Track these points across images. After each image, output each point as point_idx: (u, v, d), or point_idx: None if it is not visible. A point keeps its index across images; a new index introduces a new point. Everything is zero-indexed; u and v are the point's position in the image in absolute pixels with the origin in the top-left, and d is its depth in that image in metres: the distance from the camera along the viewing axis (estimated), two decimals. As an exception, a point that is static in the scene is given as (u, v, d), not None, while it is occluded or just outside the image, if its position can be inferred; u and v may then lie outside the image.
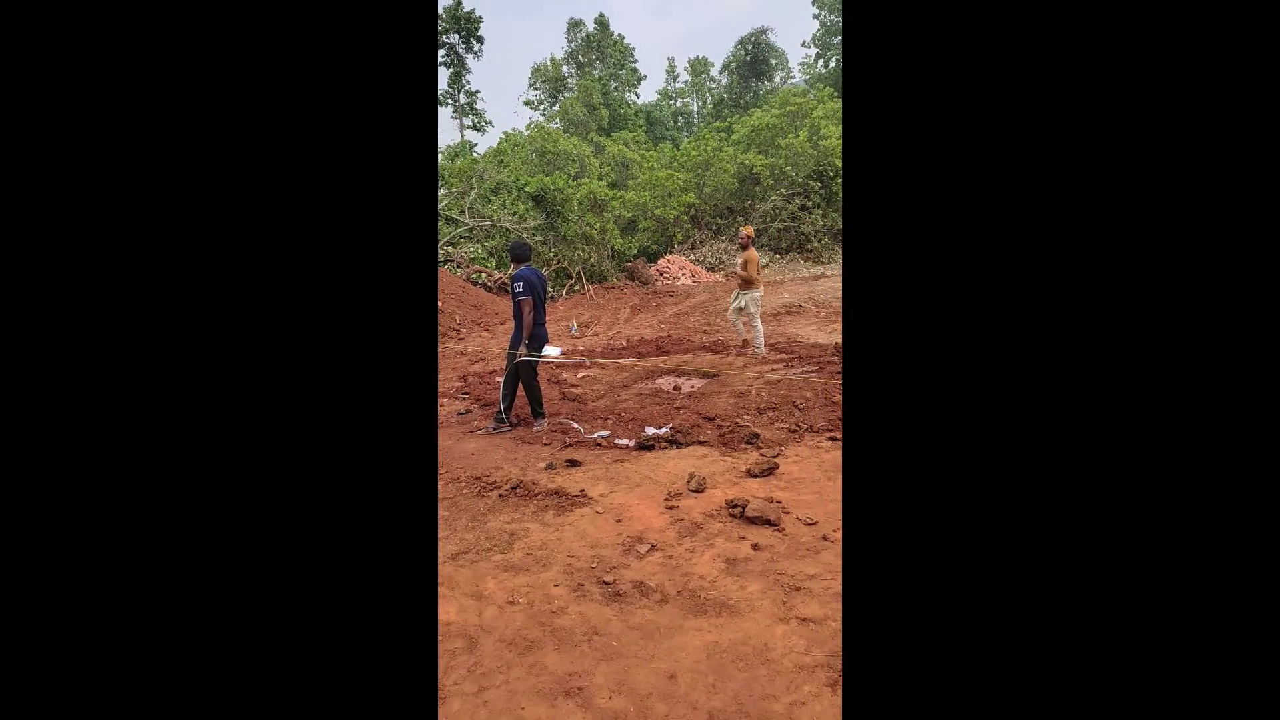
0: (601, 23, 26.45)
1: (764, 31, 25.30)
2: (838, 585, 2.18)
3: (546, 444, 3.95)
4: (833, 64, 25.17)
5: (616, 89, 25.89)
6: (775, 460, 3.32)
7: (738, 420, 4.10)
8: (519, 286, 4.16)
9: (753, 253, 6.31)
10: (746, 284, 6.25)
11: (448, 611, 2.17)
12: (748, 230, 6.49)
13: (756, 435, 3.76)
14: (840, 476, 3.12)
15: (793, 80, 26.64)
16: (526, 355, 4.19)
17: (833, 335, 5.45)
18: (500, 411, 4.26)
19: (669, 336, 7.79)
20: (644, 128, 24.04)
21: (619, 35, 26.95)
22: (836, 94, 18.00)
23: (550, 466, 3.52)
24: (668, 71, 29.47)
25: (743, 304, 6.28)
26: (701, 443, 3.77)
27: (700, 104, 29.13)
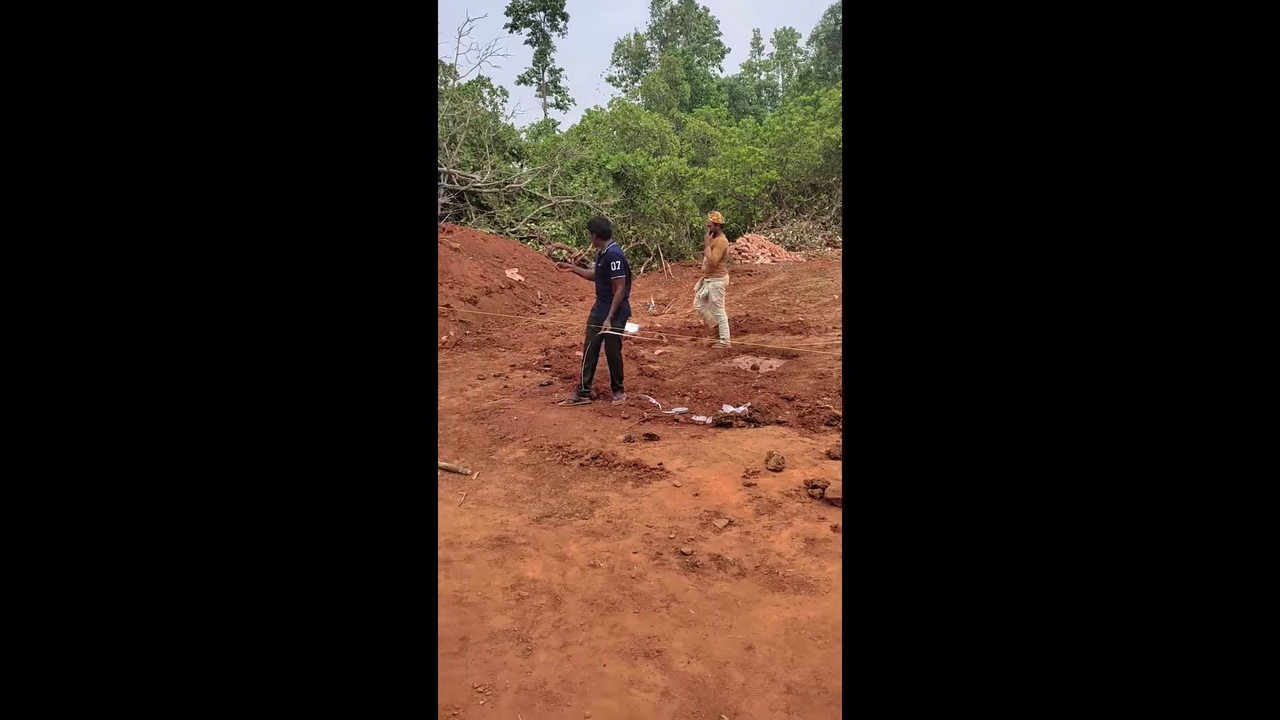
0: (686, -6, 25.97)
1: (857, -2, 24.05)
2: (922, 572, 2.13)
3: (625, 418, 4.03)
4: (931, 30, 23.61)
5: (700, 63, 25.42)
6: (857, 444, 3.25)
7: (818, 401, 4.03)
8: (616, 265, 4.20)
9: (722, 239, 5.98)
10: (712, 271, 5.93)
11: (533, 569, 2.29)
12: (715, 216, 6.14)
13: (838, 417, 3.69)
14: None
15: (886, 49, 25.24)
16: (611, 329, 4.27)
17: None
18: (583, 384, 4.37)
19: (747, 316, 7.70)
20: (726, 102, 23.52)
21: (703, 8, 26.37)
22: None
23: (629, 439, 3.60)
24: (753, 44, 28.62)
25: (706, 292, 5.97)
26: (780, 423, 3.73)
27: (786, 77, 28.15)
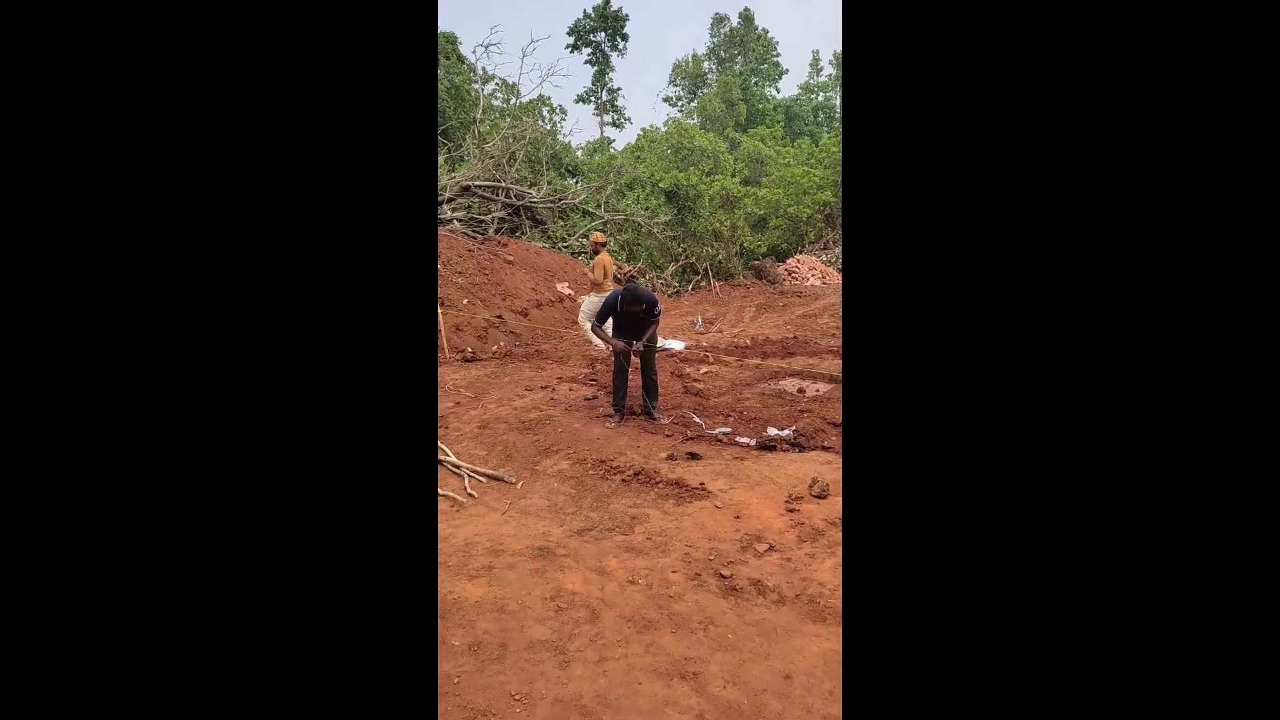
0: (746, 17, 26.16)
1: (920, 20, 23.73)
2: (971, 613, 2.06)
3: (668, 435, 4.03)
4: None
5: (757, 84, 25.49)
6: (906, 475, 3.16)
7: (866, 429, 3.95)
8: (659, 309, 4.34)
9: (604, 257, 6.17)
10: (595, 288, 6.13)
11: (573, 581, 2.32)
12: (596, 236, 6.37)
13: (886, 447, 3.60)
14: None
15: (949, 72, 24.77)
16: (623, 344, 4.32)
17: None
18: (616, 403, 4.41)
19: (795, 338, 7.61)
20: (782, 123, 23.49)
21: (763, 29, 26.48)
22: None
23: (671, 457, 3.60)
24: (811, 65, 28.50)
25: (584, 307, 6.17)
26: (825, 448, 3.67)
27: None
